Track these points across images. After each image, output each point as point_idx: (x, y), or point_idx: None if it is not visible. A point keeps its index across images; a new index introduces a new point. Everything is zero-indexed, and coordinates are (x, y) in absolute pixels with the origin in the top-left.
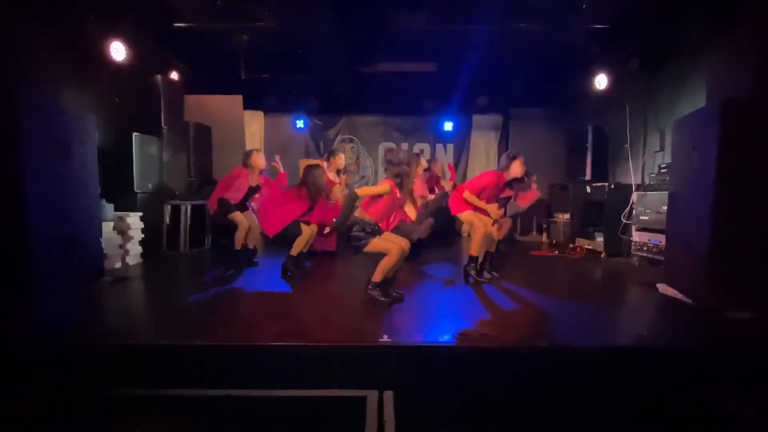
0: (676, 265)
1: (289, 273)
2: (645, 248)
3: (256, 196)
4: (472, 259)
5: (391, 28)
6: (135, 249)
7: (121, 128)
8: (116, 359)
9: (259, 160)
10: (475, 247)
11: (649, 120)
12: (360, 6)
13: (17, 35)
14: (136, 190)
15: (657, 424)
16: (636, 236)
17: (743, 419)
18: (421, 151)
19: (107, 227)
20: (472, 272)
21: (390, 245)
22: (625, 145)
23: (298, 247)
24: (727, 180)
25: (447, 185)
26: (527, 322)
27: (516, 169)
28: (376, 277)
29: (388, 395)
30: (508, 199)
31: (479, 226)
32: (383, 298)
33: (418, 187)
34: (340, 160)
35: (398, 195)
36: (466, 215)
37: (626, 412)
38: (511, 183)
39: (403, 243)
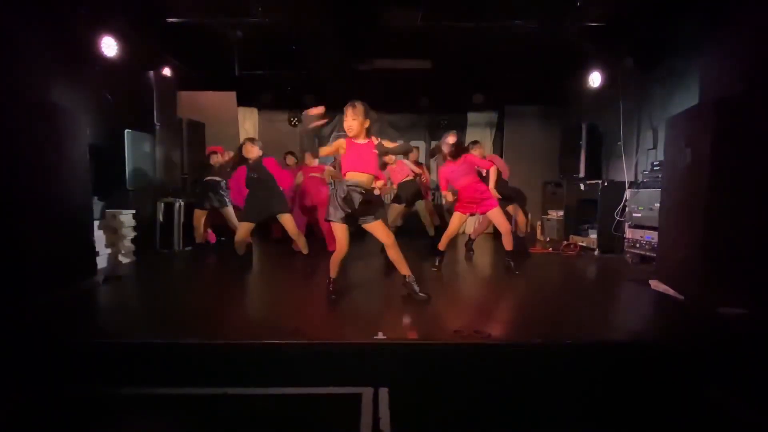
0: (668, 262)
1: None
2: (638, 245)
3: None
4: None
5: (385, 25)
6: (128, 247)
7: (113, 125)
8: (108, 358)
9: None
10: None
11: (642, 118)
12: (355, 2)
13: (5, 30)
14: (128, 187)
15: (648, 418)
16: (629, 233)
17: (734, 414)
18: (417, 147)
19: (99, 225)
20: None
21: None
22: (619, 143)
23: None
24: (719, 177)
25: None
26: (521, 318)
27: (446, 146)
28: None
29: (384, 392)
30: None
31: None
32: (421, 294)
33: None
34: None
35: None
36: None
37: (618, 407)
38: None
39: None
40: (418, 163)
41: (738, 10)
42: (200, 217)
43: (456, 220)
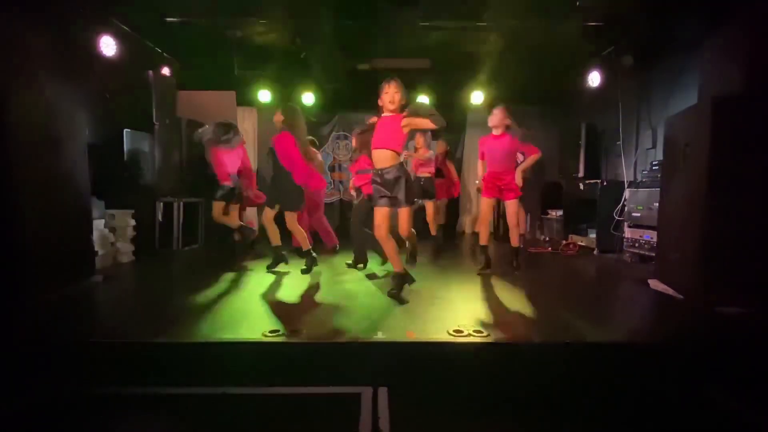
0: (667, 261)
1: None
2: (637, 244)
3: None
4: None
5: (385, 24)
6: (127, 247)
7: (112, 124)
8: (108, 358)
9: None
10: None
11: (641, 117)
12: (354, 1)
13: (4, 29)
14: (127, 186)
15: (647, 418)
16: (628, 233)
17: (733, 413)
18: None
19: (98, 225)
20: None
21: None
22: (618, 143)
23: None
24: (718, 176)
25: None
26: (520, 317)
27: (492, 119)
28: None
29: (383, 391)
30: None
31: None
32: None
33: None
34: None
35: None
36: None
37: (617, 407)
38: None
39: None
40: (446, 159)
41: (737, 10)
42: (220, 208)
43: (485, 206)
